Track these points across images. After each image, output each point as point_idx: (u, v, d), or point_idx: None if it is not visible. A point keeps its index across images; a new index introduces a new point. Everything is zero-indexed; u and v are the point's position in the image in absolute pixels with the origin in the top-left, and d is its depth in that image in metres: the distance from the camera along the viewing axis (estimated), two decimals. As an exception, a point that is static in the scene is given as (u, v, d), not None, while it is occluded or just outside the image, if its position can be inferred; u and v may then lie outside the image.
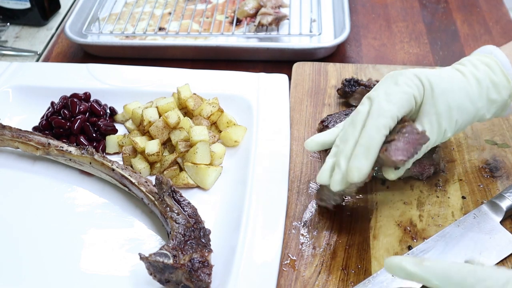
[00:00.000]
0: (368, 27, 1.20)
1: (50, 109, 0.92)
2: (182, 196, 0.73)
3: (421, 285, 0.59)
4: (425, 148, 0.67)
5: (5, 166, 0.87)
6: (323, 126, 0.83)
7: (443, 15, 1.23)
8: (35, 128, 0.91)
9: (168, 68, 0.99)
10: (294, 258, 0.71)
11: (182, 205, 0.72)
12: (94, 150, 0.81)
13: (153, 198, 0.74)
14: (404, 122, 0.64)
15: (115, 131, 0.91)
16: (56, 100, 0.92)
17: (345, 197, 0.75)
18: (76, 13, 1.14)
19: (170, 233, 0.69)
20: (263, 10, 1.14)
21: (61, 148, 0.82)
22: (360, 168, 0.61)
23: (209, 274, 0.65)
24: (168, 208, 0.72)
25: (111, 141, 0.88)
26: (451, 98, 0.67)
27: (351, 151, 0.64)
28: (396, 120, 0.64)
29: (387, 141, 0.64)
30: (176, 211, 0.71)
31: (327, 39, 1.11)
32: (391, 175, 0.66)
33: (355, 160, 0.62)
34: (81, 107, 0.90)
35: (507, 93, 0.72)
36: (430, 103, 0.67)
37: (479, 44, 1.13)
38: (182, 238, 0.68)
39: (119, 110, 0.94)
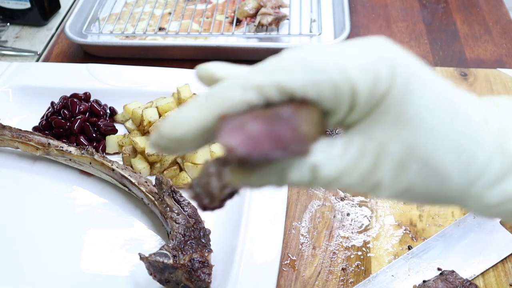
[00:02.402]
0: (368, 27, 1.20)
1: (50, 109, 0.92)
2: (182, 196, 0.73)
3: None
4: (300, 174, 0.33)
5: (5, 166, 0.87)
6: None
7: (443, 15, 1.23)
8: (35, 128, 0.91)
9: (168, 68, 0.99)
10: (294, 258, 0.71)
11: (182, 205, 0.72)
12: (94, 150, 0.81)
13: (153, 198, 0.74)
14: (301, 104, 0.32)
15: (115, 131, 0.91)
16: (56, 100, 0.92)
17: (225, 199, 0.36)
18: (76, 13, 1.14)
19: (170, 233, 0.69)
20: (263, 10, 1.14)
21: (61, 148, 0.82)
22: (178, 119, 0.33)
23: (209, 274, 0.65)
24: (168, 208, 0.72)
25: (111, 141, 0.88)
26: (429, 145, 0.33)
27: None
28: (286, 95, 0.32)
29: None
30: (176, 211, 0.71)
31: (327, 39, 1.11)
32: (232, 177, 0.33)
33: (184, 107, 0.34)
34: (81, 107, 0.90)
35: None
36: (380, 129, 0.33)
37: (479, 44, 1.13)
38: (182, 238, 0.68)
39: (119, 110, 0.94)
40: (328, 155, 0.33)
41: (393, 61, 0.32)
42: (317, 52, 0.33)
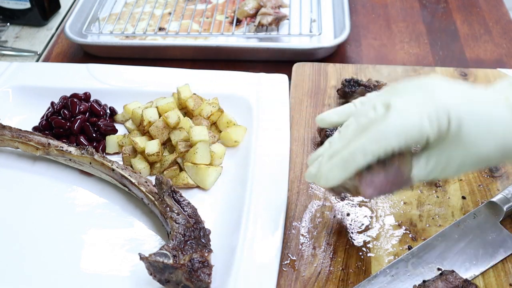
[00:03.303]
0: (368, 27, 1.20)
1: (50, 109, 0.92)
2: (182, 196, 0.73)
3: None
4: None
5: (5, 166, 0.87)
6: (322, 128, 0.84)
7: (443, 15, 1.23)
8: (35, 128, 0.91)
9: (168, 68, 0.99)
10: (294, 258, 0.71)
11: (182, 205, 0.72)
12: (94, 150, 0.81)
13: (153, 198, 0.74)
14: (399, 155, 0.57)
15: (115, 131, 0.91)
16: (56, 100, 0.92)
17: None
18: (76, 13, 1.14)
19: (170, 233, 0.69)
20: (263, 10, 1.14)
21: (61, 148, 0.82)
22: (329, 178, 0.59)
23: (209, 274, 0.65)
24: (168, 208, 0.72)
25: (111, 141, 0.88)
26: (478, 151, 0.56)
27: (334, 153, 0.60)
28: (391, 152, 0.56)
29: (370, 167, 0.58)
30: (176, 211, 0.71)
31: (327, 39, 1.11)
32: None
33: (329, 168, 0.59)
34: (81, 107, 0.90)
35: None
36: (446, 151, 0.57)
37: (479, 44, 1.13)
38: (182, 238, 0.68)
39: (119, 110, 0.94)
40: (418, 168, 0.58)
41: (448, 108, 0.54)
42: (402, 120, 0.55)
